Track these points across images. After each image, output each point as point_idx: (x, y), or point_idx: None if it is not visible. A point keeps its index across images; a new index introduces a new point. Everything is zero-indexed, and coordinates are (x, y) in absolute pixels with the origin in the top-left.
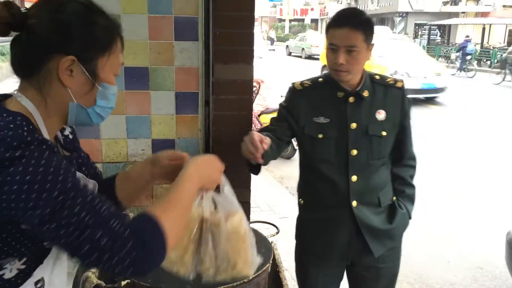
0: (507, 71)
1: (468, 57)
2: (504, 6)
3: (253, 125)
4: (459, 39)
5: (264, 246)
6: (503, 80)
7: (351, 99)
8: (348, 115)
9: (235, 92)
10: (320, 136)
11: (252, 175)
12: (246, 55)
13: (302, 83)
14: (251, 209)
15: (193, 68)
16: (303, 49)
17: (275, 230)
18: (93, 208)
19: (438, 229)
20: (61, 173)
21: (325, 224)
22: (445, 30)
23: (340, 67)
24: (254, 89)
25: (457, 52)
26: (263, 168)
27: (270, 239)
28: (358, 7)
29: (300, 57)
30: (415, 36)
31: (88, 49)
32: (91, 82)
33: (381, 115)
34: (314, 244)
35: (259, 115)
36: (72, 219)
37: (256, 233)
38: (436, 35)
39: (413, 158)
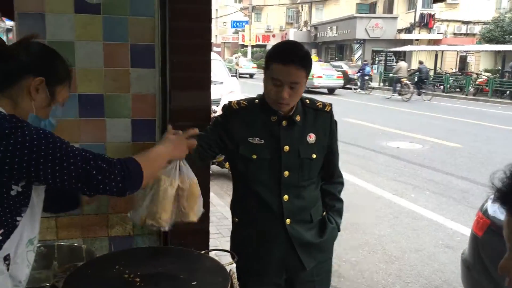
0: (396, 88)
1: (366, 77)
2: (454, 34)
3: None
4: (414, 65)
5: (221, 275)
6: (392, 95)
7: (284, 123)
8: (281, 138)
9: (193, 119)
10: (254, 157)
11: (211, 203)
12: (203, 82)
13: (238, 103)
14: (212, 236)
15: (149, 95)
16: None
17: (234, 258)
18: (88, 151)
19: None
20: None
21: (259, 241)
22: (401, 57)
23: (283, 101)
24: (213, 114)
25: (357, 73)
26: (225, 193)
27: (228, 268)
28: (318, 34)
29: None
30: (373, 62)
31: (52, 77)
32: (49, 101)
33: (311, 138)
34: (250, 261)
35: None
36: (78, 155)
37: (213, 261)
38: (392, 61)
39: (340, 175)
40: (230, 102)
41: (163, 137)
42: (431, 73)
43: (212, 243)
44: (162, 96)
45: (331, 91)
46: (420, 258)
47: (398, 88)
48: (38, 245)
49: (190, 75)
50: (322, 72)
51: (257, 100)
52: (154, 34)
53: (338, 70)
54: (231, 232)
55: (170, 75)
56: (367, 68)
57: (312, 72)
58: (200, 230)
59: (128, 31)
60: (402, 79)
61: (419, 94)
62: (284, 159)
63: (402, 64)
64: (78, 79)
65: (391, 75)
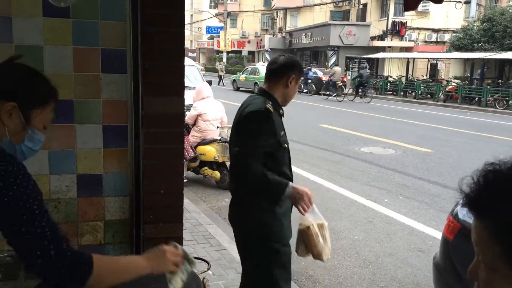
0: (330, 91)
1: (309, 81)
2: (425, 41)
3: (186, 153)
4: (386, 71)
5: (194, 283)
6: (329, 96)
7: (283, 115)
8: (282, 127)
9: (166, 125)
10: (285, 145)
11: (186, 210)
12: (176, 87)
13: (270, 107)
14: (187, 243)
15: (121, 101)
16: (256, 83)
17: (206, 266)
18: (53, 228)
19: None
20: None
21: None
22: (374, 63)
23: None
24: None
25: (329, 78)
26: (201, 200)
27: (201, 276)
28: (293, 41)
29: (253, 91)
30: (347, 68)
31: (27, 101)
32: (24, 126)
33: None
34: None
35: (196, 146)
36: (38, 227)
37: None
38: (366, 67)
39: None
40: (266, 108)
41: (155, 249)
42: (403, 79)
43: (188, 250)
44: (135, 101)
45: None
46: (393, 262)
47: (333, 90)
48: (4, 255)
49: (163, 81)
50: None
51: (270, 102)
52: (126, 39)
53: (315, 76)
54: (264, 219)
55: (143, 80)
56: (310, 73)
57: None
58: (173, 237)
59: (99, 36)
60: (337, 82)
61: (360, 97)
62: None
63: (337, 69)
64: None
65: (326, 80)
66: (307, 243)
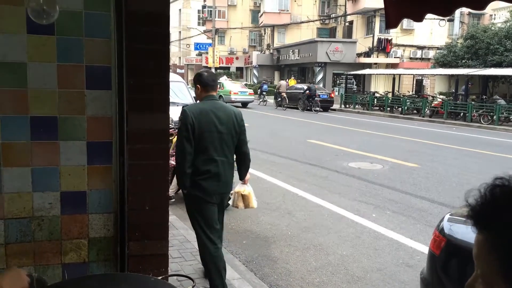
0: (278, 100)
1: (264, 93)
2: (410, 58)
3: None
4: (373, 87)
5: None
6: (278, 105)
7: None
8: None
9: (151, 141)
10: None
11: (173, 226)
12: (161, 104)
13: None
14: (174, 260)
15: (106, 117)
16: (220, 96)
17: (191, 284)
18: None
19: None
20: None
21: None
22: (361, 79)
23: None
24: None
25: (259, 89)
26: (187, 216)
27: None
28: (280, 57)
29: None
30: (334, 84)
31: None
32: None
33: None
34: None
35: None
36: None
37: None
38: (353, 84)
39: None
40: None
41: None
42: (390, 95)
43: (174, 267)
44: (119, 118)
45: (244, 104)
46: (381, 277)
47: (279, 99)
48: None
49: (147, 97)
50: (237, 90)
51: None
52: (111, 56)
53: (302, 92)
54: None
55: (127, 96)
56: (265, 86)
57: (229, 89)
58: (158, 255)
59: (83, 52)
60: (282, 93)
61: (309, 109)
62: None
63: (282, 83)
64: (30, 100)
65: (276, 90)
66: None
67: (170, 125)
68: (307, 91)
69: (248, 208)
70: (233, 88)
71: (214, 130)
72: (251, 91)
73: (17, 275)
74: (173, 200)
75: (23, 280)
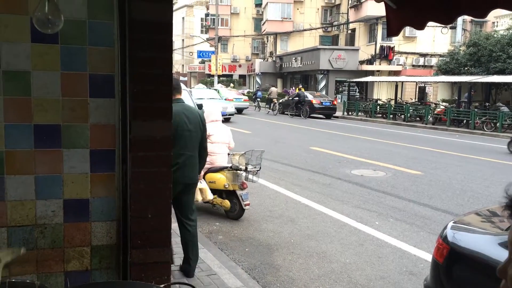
0: (273, 106)
1: (259, 99)
2: (413, 65)
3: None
4: (375, 95)
5: None
6: (270, 110)
7: None
8: None
9: (154, 148)
10: None
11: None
12: (164, 111)
13: None
14: (176, 267)
15: (109, 125)
16: None
17: None
18: None
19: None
20: None
21: None
22: (363, 87)
23: None
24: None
25: (253, 96)
26: None
27: None
28: (283, 65)
29: None
30: (337, 92)
31: None
32: None
33: None
34: None
35: (204, 174)
36: None
37: None
38: (355, 91)
39: None
40: None
41: None
42: (392, 103)
43: (177, 275)
44: (122, 126)
45: (239, 111)
46: (385, 285)
47: (271, 105)
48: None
49: (150, 105)
50: (232, 97)
51: None
52: (114, 64)
53: (291, 98)
54: None
55: (130, 104)
56: (259, 93)
57: (224, 96)
58: (161, 263)
59: (87, 61)
60: (273, 100)
61: (298, 115)
62: None
63: (273, 89)
64: (34, 109)
65: (268, 96)
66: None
67: None
68: (296, 98)
69: (206, 202)
70: (228, 95)
71: (186, 128)
72: (246, 97)
73: None
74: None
75: None
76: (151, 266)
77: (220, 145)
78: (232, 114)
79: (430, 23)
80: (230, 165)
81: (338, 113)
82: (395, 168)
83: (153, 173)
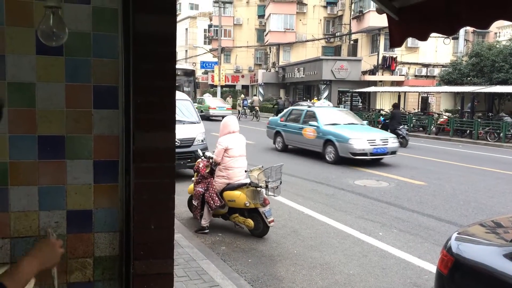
0: (253, 113)
1: (245, 108)
2: (415, 76)
3: (211, 201)
4: (378, 105)
5: None
6: (254, 117)
7: None
8: None
9: (157, 159)
10: None
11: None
12: (167, 122)
13: None
14: (179, 279)
15: (113, 136)
16: (201, 111)
17: None
18: None
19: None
20: None
21: None
22: (366, 97)
23: None
24: (211, 160)
25: (241, 103)
26: (194, 234)
27: None
28: (286, 75)
29: (201, 116)
30: (339, 102)
31: None
32: None
33: None
34: None
35: (221, 192)
36: None
37: None
38: (358, 101)
39: None
40: None
41: (42, 244)
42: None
43: (180, 287)
44: (126, 137)
45: (224, 117)
46: None
47: (253, 112)
48: None
49: (154, 116)
50: (215, 105)
51: None
52: (118, 76)
53: (272, 106)
54: None
55: (134, 115)
56: (245, 102)
57: (208, 104)
58: (163, 274)
59: (91, 73)
60: (255, 107)
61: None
62: None
63: (255, 98)
64: (38, 120)
65: (251, 103)
66: None
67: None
68: (275, 106)
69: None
70: (211, 104)
71: None
72: (228, 106)
73: (51, 249)
74: (207, 231)
75: (57, 255)
76: (153, 278)
77: (238, 158)
78: (394, 152)
79: (432, 34)
80: (248, 181)
81: None
82: (398, 179)
83: (156, 184)
